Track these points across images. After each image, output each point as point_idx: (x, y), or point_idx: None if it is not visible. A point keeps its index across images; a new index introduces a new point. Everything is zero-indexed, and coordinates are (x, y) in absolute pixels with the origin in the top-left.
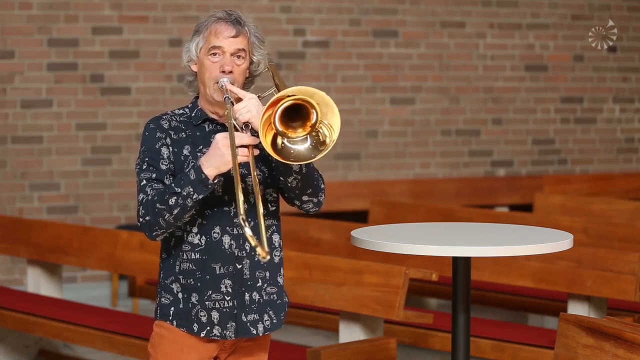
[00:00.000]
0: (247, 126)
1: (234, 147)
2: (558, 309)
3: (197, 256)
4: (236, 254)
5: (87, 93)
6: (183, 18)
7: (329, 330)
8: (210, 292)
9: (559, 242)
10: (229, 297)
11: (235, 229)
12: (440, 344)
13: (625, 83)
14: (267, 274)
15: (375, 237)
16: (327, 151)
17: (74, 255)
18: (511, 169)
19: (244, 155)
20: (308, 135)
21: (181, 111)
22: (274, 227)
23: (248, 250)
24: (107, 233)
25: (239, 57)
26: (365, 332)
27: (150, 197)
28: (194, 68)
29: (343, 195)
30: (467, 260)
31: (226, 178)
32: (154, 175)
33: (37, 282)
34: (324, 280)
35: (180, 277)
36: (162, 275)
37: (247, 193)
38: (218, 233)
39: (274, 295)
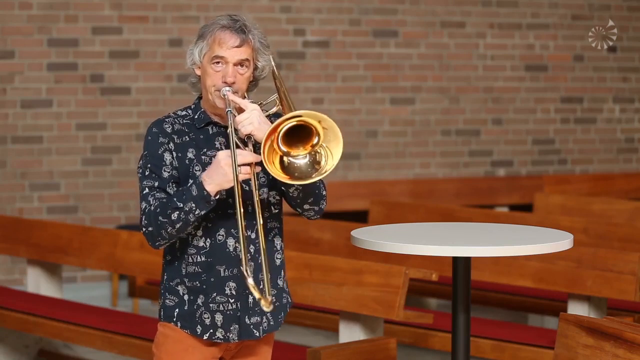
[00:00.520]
0: (249, 138)
1: (235, 166)
2: (558, 309)
3: (203, 259)
4: (240, 256)
5: (87, 93)
6: (183, 18)
7: (329, 330)
8: (215, 294)
9: (559, 242)
10: (233, 300)
11: (239, 232)
12: (440, 344)
13: (625, 83)
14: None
15: (375, 237)
16: (324, 175)
17: (74, 255)
18: (511, 169)
19: (246, 173)
20: (308, 154)
21: (184, 112)
22: (276, 230)
23: (252, 253)
24: (107, 233)
25: (242, 66)
26: (365, 332)
27: (153, 208)
28: (198, 72)
29: (343, 195)
30: (467, 260)
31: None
32: (156, 184)
33: (37, 282)
34: (324, 280)
35: (186, 280)
36: (166, 276)
37: (246, 205)
38: (223, 235)
39: (273, 298)
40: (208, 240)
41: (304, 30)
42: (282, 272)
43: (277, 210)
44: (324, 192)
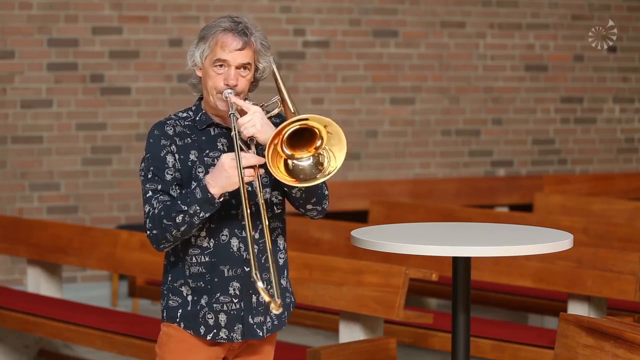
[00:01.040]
0: (252, 140)
1: (240, 168)
2: (558, 309)
3: (207, 259)
4: (244, 256)
5: (87, 93)
6: (183, 18)
7: (329, 330)
8: (219, 294)
9: (559, 242)
10: (237, 300)
11: (243, 232)
12: (440, 344)
13: (625, 83)
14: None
15: (375, 237)
16: (327, 177)
17: (74, 255)
18: (511, 169)
19: (250, 176)
20: (311, 156)
21: (185, 114)
22: (279, 230)
23: (256, 252)
24: (107, 233)
25: (244, 68)
26: (365, 332)
27: (157, 211)
28: (199, 73)
29: (343, 195)
30: (467, 260)
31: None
32: (159, 187)
33: (37, 282)
34: (324, 280)
35: (190, 281)
36: (169, 277)
37: (257, 215)
38: (226, 235)
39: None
40: (212, 240)
41: (304, 30)
42: (286, 272)
43: (279, 210)
44: (327, 192)
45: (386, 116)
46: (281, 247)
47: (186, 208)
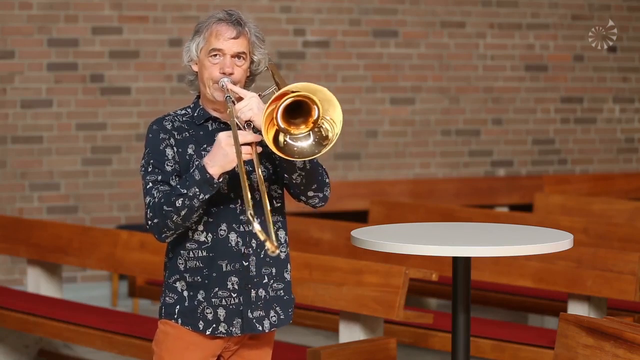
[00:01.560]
0: (249, 125)
1: (237, 145)
2: (558, 309)
3: (204, 254)
4: (243, 251)
5: (87, 93)
6: (183, 18)
7: (329, 330)
8: (217, 289)
9: (559, 242)
10: (235, 294)
11: (241, 226)
12: (440, 344)
13: (625, 83)
14: (274, 270)
15: (375, 237)
16: (331, 146)
17: (74, 255)
18: (511, 169)
19: (247, 153)
20: (311, 132)
21: (183, 111)
22: (279, 224)
23: (254, 247)
24: (107, 233)
25: (239, 58)
26: (365, 332)
27: (157, 200)
28: (195, 68)
29: (343, 195)
30: (467, 260)
31: (231, 175)
32: (159, 178)
33: (37, 282)
34: (324, 280)
35: (187, 275)
36: (167, 274)
37: (253, 190)
38: (224, 230)
39: (281, 291)
40: (210, 235)
41: (304, 30)
42: (289, 266)
43: (279, 204)
44: (327, 180)
45: (386, 116)
46: (282, 240)
47: (185, 191)
